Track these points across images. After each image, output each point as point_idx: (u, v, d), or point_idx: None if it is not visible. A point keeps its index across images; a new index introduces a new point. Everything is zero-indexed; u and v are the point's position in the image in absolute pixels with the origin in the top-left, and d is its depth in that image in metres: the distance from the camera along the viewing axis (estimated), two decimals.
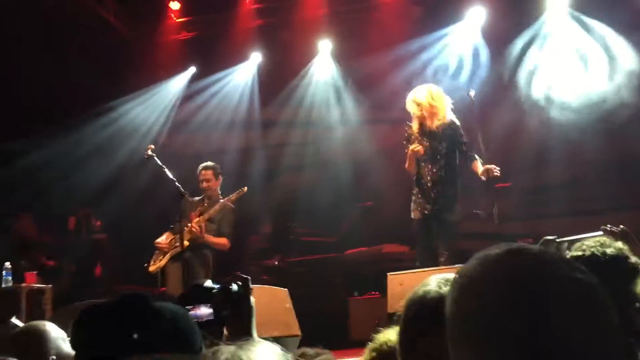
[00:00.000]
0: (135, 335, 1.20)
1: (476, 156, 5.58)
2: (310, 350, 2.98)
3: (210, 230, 6.22)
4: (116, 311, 1.26)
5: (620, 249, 2.00)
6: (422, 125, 5.51)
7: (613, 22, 8.00)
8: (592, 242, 2.03)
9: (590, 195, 8.07)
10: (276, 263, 8.09)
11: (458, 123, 5.65)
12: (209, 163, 6.48)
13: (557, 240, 2.99)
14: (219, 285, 1.65)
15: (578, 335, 0.83)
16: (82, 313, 1.31)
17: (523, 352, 0.83)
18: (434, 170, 5.53)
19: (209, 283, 1.67)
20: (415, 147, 5.41)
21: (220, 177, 6.46)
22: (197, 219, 6.14)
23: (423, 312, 1.44)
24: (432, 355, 0.91)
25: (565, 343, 0.82)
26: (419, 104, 5.51)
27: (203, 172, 6.39)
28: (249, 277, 1.69)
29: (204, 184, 6.37)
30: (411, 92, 5.64)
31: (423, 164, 5.54)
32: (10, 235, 7.54)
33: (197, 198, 6.42)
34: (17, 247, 7.44)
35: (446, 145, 5.55)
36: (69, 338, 1.61)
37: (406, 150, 5.55)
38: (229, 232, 6.30)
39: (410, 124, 5.66)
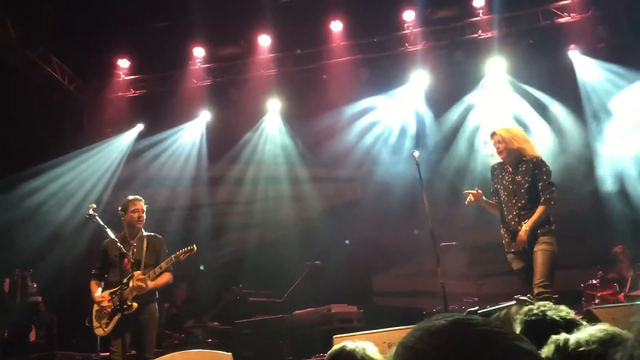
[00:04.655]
0: None
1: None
2: None
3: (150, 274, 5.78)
4: None
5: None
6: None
7: (547, 88, 8.43)
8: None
9: None
10: (216, 324, 7.87)
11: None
12: (140, 197, 5.91)
13: (479, 311, 3.09)
14: None
15: None
16: None
17: None
18: None
19: None
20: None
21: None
22: (141, 276, 5.74)
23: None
24: None
25: None
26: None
27: (139, 204, 5.82)
28: None
29: (140, 219, 5.81)
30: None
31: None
32: None
33: (116, 236, 5.69)
34: None
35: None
36: None
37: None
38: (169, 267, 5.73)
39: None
